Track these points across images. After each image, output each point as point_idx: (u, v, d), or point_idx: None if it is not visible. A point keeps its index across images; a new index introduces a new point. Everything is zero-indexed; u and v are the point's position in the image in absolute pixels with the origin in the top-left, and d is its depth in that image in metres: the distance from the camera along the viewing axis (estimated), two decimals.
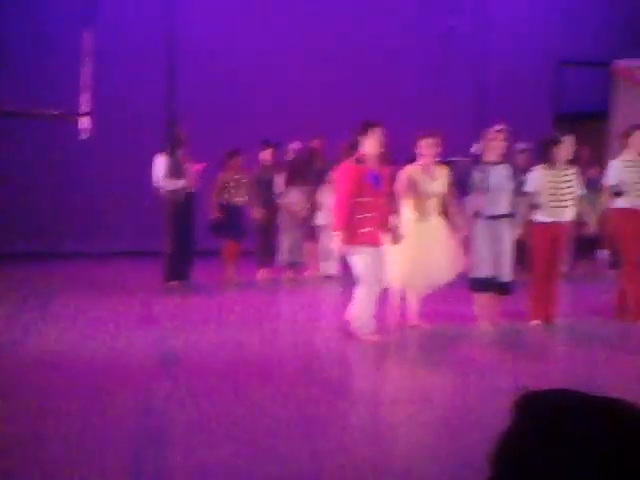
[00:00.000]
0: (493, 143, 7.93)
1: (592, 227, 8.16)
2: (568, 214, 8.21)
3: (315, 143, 11.50)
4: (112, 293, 9.56)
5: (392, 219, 7.44)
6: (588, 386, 1.21)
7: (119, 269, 11.66)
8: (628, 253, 8.25)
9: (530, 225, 8.07)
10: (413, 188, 7.74)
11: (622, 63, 14.00)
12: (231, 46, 13.59)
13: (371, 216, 7.09)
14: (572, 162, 8.40)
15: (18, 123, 12.53)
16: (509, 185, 7.89)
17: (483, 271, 7.81)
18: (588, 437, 1.06)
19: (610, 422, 1.08)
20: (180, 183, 10.08)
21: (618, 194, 8.29)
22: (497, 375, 6.16)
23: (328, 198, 9.54)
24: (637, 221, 8.19)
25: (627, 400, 1.11)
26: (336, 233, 7.19)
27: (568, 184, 8.14)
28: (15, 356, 6.56)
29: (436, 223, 7.83)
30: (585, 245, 10.98)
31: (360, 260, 7.15)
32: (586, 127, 13.36)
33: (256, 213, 10.90)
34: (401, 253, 7.51)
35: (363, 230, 7.07)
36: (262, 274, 11.07)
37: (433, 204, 7.83)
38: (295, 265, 11.19)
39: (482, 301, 7.99)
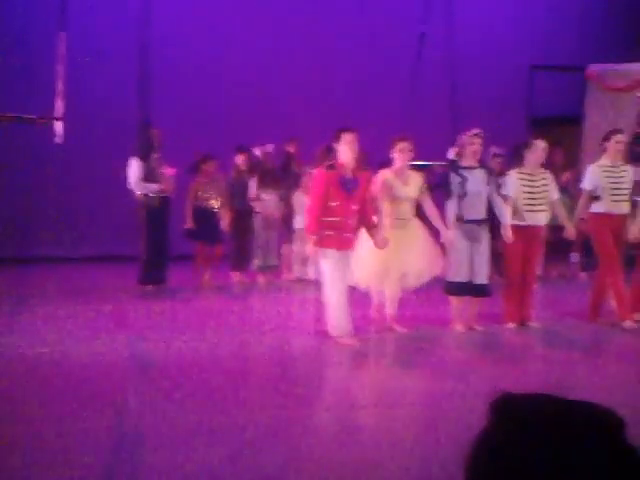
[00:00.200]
0: (470, 147, 7.97)
1: (570, 230, 8.18)
2: (543, 218, 8.27)
3: (290, 147, 11.51)
4: (87, 297, 9.50)
5: (374, 222, 7.48)
6: (563, 388, 1.22)
7: (94, 274, 11.60)
8: (607, 257, 8.26)
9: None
10: (388, 192, 7.78)
11: (595, 67, 14.12)
12: (204, 50, 13.56)
13: (336, 220, 7.17)
14: (546, 166, 8.47)
15: None
16: (486, 189, 7.94)
17: (459, 275, 7.86)
18: (563, 440, 1.07)
19: (585, 425, 1.09)
20: (154, 187, 10.04)
21: (595, 198, 8.34)
22: (472, 378, 6.19)
23: (304, 202, 9.55)
24: (613, 225, 8.25)
25: (601, 404, 1.13)
26: (310, 237, 7.28)
27: (543, 188, 8.20)
28: None
29: (411, 226, 7.86)
30: (558, 248, 11.05)
31: (325, 264, 7.24)
32: (559, 131, 13.47)
33: (226, 218, 10.85)
34: (374, 255, 7.55)
35: (328, 233, 7.16)
36: (237, 278, 11.07)
37: (406, 208, 7.86)
38: (270, 269, 11.19)
39: (458, 304, 8.03)
